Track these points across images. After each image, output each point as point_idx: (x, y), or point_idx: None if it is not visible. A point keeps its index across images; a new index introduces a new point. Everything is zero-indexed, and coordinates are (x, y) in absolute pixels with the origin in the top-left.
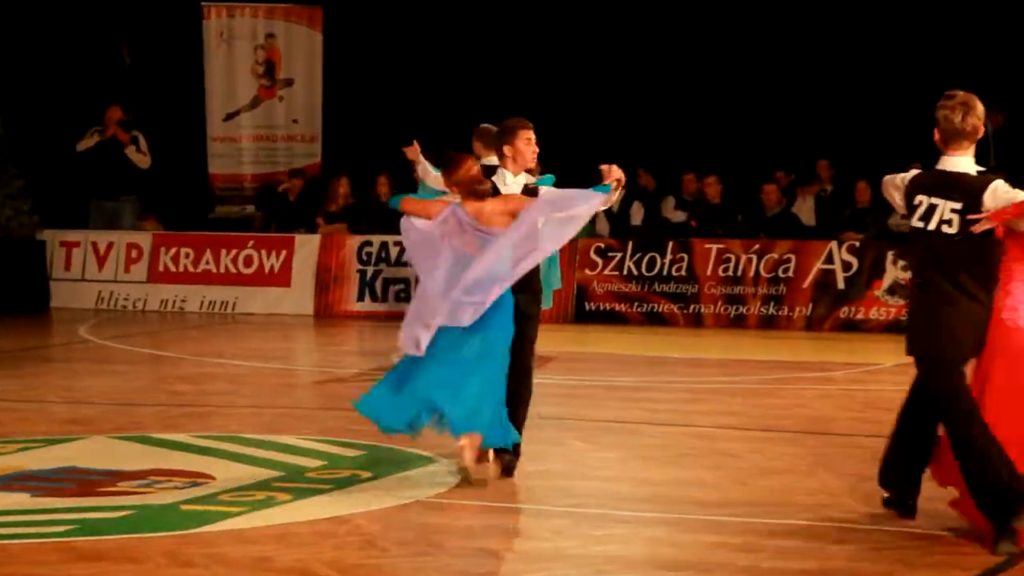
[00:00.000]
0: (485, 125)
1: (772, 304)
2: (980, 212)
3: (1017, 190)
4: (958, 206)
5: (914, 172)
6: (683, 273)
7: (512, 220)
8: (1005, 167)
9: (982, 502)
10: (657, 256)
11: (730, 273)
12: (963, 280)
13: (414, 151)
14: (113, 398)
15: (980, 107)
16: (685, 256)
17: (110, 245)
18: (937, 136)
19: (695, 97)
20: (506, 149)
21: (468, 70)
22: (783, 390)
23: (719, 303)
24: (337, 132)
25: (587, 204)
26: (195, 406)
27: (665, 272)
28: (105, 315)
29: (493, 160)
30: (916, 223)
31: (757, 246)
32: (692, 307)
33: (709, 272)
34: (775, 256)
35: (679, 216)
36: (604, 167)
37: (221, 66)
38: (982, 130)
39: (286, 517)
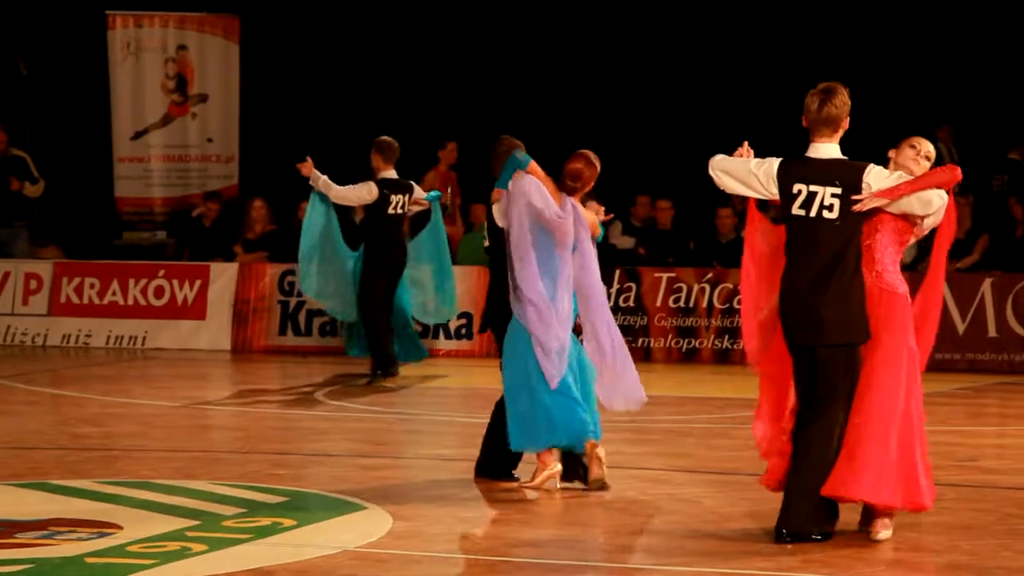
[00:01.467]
0: (385, 138)
1: (727, 337)
2: (861, 194)
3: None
4: (838, 191)
5: (775, 161)
6: (631, 304)
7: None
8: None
9: None
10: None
11: (681, 304)
12: (849, 263)
13: (308, 167)
14: (10, 441)
15: (843, 97)
16: (633, 286)
17: (6, 275)
18: (804, 124)
19: (644, 116)
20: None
21: (392, 84)
22: (738, 430)
23: (670, 336)
24: (256, 152)
25: None
26: (101, 450)
27: (611, 303)
28: (1, 351)
29: (392, 174)
30: (796, 211)
31: (710, 275)
32: (640, 340)
33: (659, 303)
34: (730, 286)
35: (627, 242)
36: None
37: (128, 80)
38: (845, 120)
39: (201, 570)
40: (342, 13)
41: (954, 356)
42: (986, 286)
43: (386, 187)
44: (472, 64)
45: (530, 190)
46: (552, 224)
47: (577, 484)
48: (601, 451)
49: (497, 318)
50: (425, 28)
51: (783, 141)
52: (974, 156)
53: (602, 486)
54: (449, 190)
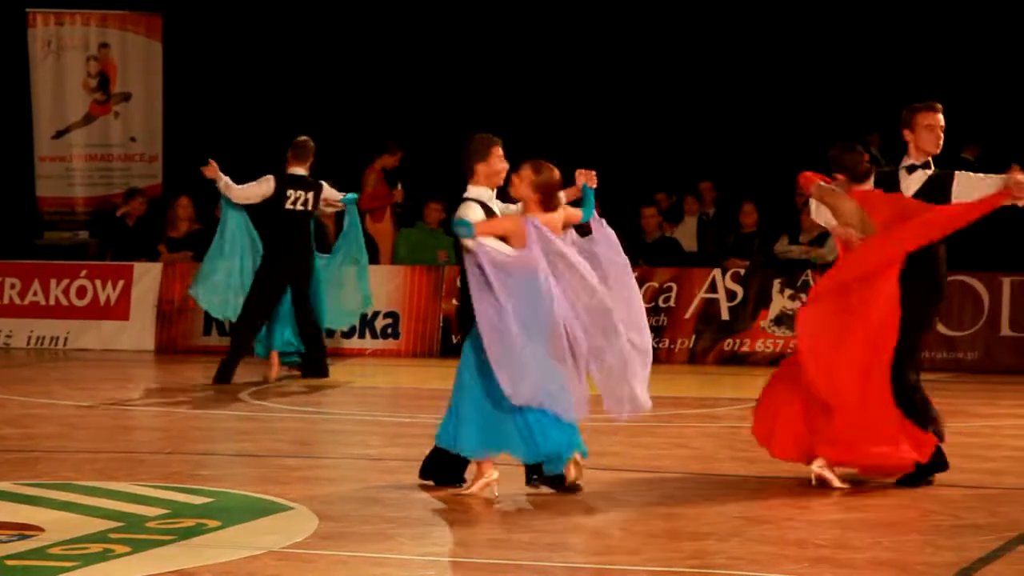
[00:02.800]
0: (301, 137)
1: (652, 336)
2: None
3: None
4: None
5: None
6: None
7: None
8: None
9: None
10: None
11: None
12: None
13: (212, 170)
14: None
15: None
16: None
17: None
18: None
19: (567, 114)
20: (480, 167)
21: (317, 82)
22: (663, 428)
23: None
24: (180, 151)
25: None
26: (21, 451)
27: None
28: None
29: (300, 171)
30: None
31: (636, 274)
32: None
33: None
34: (655, 284)
35: None
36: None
37: (49, 79)
38: None
39: (124, 572)
40: (266, 11)
41: None
42: None
43: (286, 183)
44: (400, 62)
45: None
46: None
47: (544, 489)
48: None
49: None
50: (349, 25)
51: (705, 139)
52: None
53: (575, 488)
54: (399, 187)
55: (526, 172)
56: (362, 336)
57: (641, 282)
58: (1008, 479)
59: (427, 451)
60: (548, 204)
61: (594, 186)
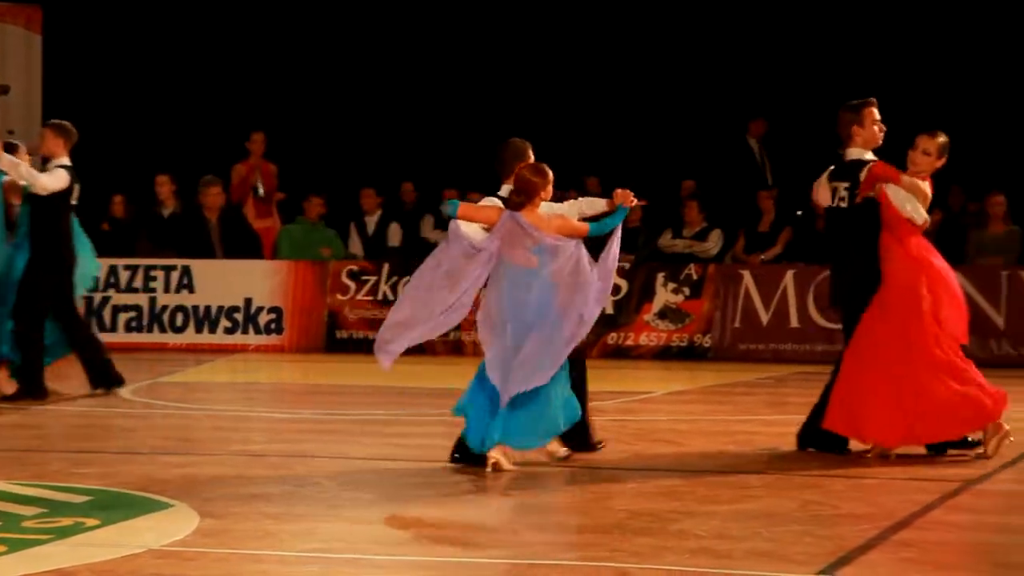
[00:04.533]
0: (64, 121)
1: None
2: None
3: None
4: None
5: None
6: None
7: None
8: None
9: None
10: None
11: None
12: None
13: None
14: None
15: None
16: None
17: None
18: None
19: (456, 106)
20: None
21: (197, 73)
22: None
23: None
24: None
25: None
26: None
27: None
28: None
29: (68, 161)
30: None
31: None
32: (452, 334)
33: None
34: None
35: (439, 236)
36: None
37: None
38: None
39: (1, 572)
40: (146, 4)
41: (758, 346)
42: (788, 278)
43: (71, 175)
44: (277, 52)
45: (458, 234)
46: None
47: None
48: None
49: None
50: (227, 15)
51: (595, 134)
52: (786, 151)
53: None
54: (260, 180)
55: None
56: (245, 331)
57: None
58: (884, 469)
59: (309, 447)
60: (521, 200)
61: (629, 205)
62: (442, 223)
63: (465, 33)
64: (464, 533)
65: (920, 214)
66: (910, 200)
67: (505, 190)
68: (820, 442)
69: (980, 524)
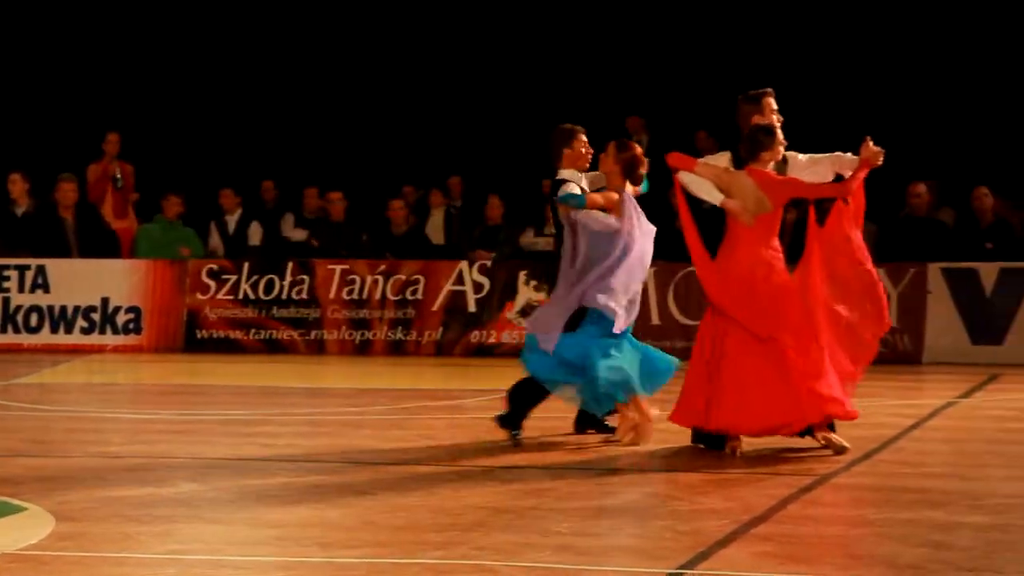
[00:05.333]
0: None
1: (400, 328)
2: None
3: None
4: None
5: None
6: (304, 296)
7: None
8: None
9: None
10: (276, 278)
11: (355, 296)
12: None
13: None
14: None
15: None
16: (306, 278)
17: None
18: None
19: (316, 106)
20: (567, 152)
21: (52, 72)
22: (411, 420)
23: (343, 328)
24: None
25: None
26: None
27: (284, 296)
28: None
29: None
30: None
31: (383, 267)
32: (314, 333)
33: (332, 295)
34: (403, 277)
35: (299, 235)
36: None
37: None
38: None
39: None
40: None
41: None
42: (649, 275)
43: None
44: (133, 50)
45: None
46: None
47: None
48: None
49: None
50: (82, 13)
51: (452, 133)
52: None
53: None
54: (118, 171)
55: (611, 150)
56: (103, 332)
57: (388, 275)
58: (744, 464)
59: (168, 448)
60: (632, 178)
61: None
62: (303, 221)
63: (326, 31)
64: (325, 533)
65: (713, 196)
66: (694, 183)
67: (568, 173)
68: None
69: (835, 517)
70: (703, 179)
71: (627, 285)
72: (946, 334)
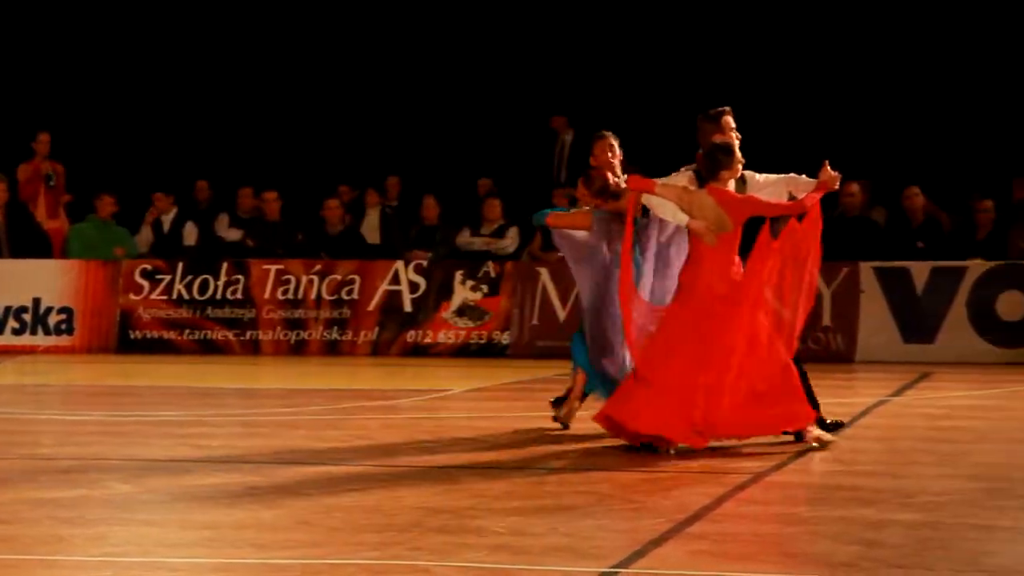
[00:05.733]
0: None
1: (335, 328)
2: None
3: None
4: None
5: None
6: (239, 296)
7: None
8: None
9: None
10: (210, 279)
11: (290, 296)
12: None
13: None
14: None
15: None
16: (241, 278)
17: None
18: None
19: (252, 106)
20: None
21: (5, 69)
22: (347, 421)
23: (278, 328)
24: None
25: None
26: None
27: (219, 296)
28: None
29: None
30: None
31: (319, 267)
32: (249, 333)
33: (267, 295)
34: (338, 277)
35: (234, 234)
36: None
37: None
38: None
39: None
40: None
41: (555, 343)
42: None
43: None
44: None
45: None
46: None
47: None
48: None
49: None
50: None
51: (388, 132)
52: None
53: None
54: (51, 169)
55: (580, 183)
56: (34, 332)
57: (323, 274)
58: (679, 463)
59: (101, 449)
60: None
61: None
62: (238, 221)
63: (260, 30)
64: (260, 534)
65: (677, 218)
66: (659, 205)
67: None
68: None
69: (769, 515)
70: (666, 200)
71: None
72: (879, 333)
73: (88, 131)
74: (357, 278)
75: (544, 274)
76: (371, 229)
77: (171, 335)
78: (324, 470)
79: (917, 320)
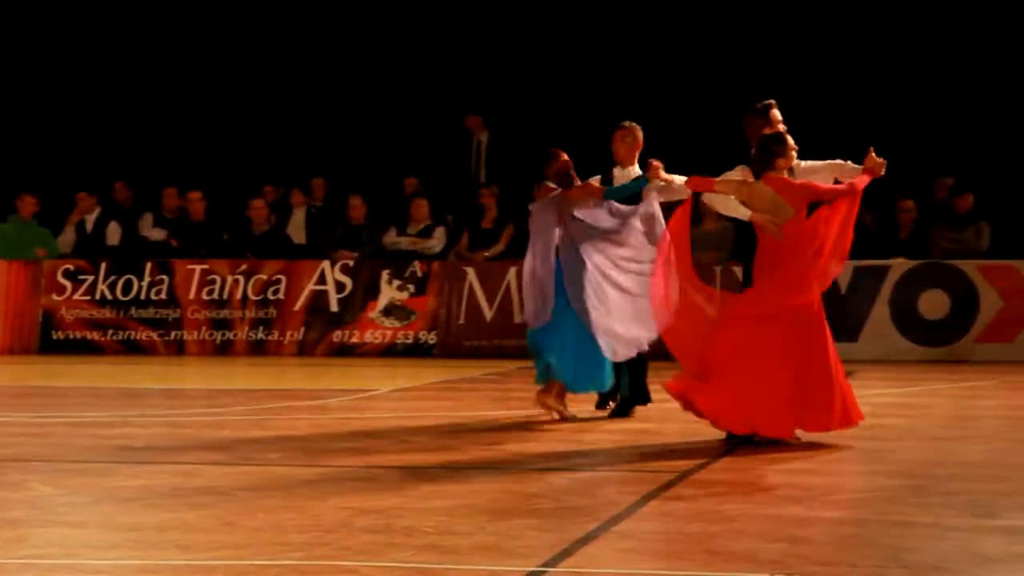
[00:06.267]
0: None
1: (261, 328)
2: None
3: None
4: None
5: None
6: (163, 297)
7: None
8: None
9: None
10: (134, 279)
11: (215, 296)
12: None
13: None
14: None
15: None
16: (166, 278)
17: None
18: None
19: (175, 105)
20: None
21: None
22: (273, 421)
23: (203, 329)
24: None
25: None
26: None
27: (143, 296)
28: None
29: None
30: None
31: (244, 266)
32: (174, 334)
33: (192, 295)
34: (264, 277)
35: (159, 234)
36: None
37: None
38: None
39: None
40: None
41: (482, 342)
42: (511, 274)
43: None
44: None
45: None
46: None
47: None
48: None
49: None
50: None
51: (313, 132)
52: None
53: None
54: None
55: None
56: None
57: (249, 274)
58: (606, 461)
59: (23, 451)
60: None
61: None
62: (162, 221)
63: (182, 27)
64: (184, 535)
65: (739, 212)
66: (720, 203)
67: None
68: None
69: (695, 513)
70: (728, 197)
71: None
72: None
73: (9, 130)
74: (283, 278)
75: (471, 274)
76: (297, 229)
77: (94, 336)
78: (249, 471)
79: (841, 319)
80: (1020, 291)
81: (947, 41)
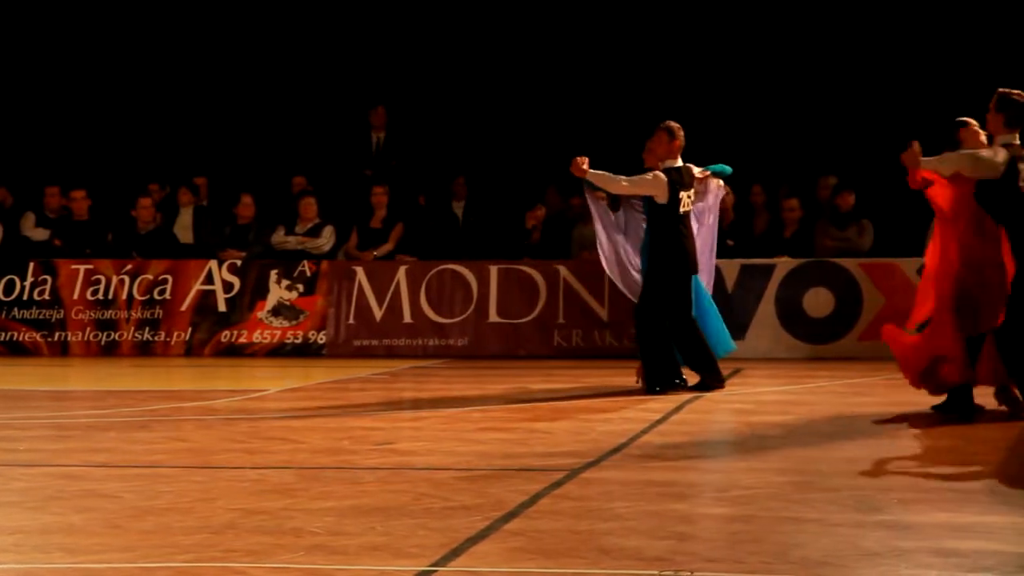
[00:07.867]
0: None
1: (148, 329)
2: None
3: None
4: None
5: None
6: (47, 297)
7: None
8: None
9: None
10: (16, 279)
11: (100, 296)
12: None
13: None
14: None
15: None
16: (49, 278)
17: None
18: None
19: (58, 102)
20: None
21: None
22: (160, 422)
23: (88, 329)
24: None
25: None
26: None
27: (26, 296)
28: None
29: None
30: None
31: (130, 266)
32: (57, 334)
33: (76, 295)
34: (150, 277)
35: (41, 234)
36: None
37: None
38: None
39: None
40: None
41: (372, 342)
42: (401, 273)
43: None
44: None
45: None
46: None
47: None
48: None
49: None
50: None
51: (200, 129)
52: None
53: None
54: None
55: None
56: None
57: (135, 274)
58: (496, 460)
59: None
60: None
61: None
62: (44, 220)
63: (72, 26)
64: (69, 539)
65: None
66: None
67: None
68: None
69: (585, 511)
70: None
71: None
72: None
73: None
74: (169, 278)
75: (360, 273)
76: (184, 228)
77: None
78: (136, 472)
79: (728, 317)
80: (902, 289)
81: (828, 40)
